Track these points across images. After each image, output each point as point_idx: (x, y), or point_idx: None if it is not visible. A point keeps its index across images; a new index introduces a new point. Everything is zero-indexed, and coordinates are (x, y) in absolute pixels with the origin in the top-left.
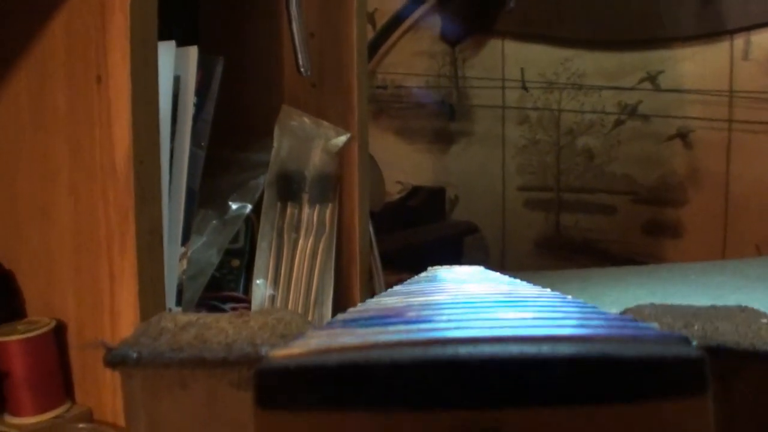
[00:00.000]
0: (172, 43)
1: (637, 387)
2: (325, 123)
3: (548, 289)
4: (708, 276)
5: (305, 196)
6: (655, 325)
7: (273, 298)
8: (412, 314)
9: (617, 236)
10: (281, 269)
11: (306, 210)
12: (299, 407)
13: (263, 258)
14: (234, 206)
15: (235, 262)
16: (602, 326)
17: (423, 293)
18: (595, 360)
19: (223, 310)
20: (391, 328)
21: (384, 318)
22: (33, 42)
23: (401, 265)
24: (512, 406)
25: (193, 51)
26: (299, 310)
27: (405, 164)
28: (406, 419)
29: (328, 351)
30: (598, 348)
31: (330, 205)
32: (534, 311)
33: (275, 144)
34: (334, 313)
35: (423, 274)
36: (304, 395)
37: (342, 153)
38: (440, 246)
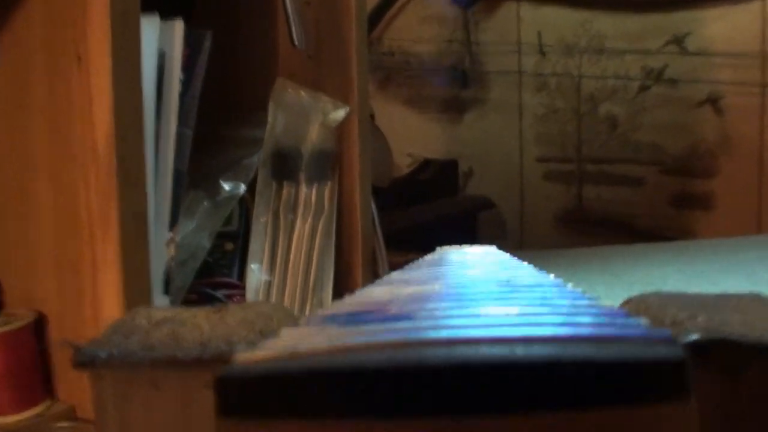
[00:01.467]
0: (156, 17)
1: (612, 392)
2: (323, 96)
3: (551, 276)
4: (741, 252)
5: (302, 175)
6: (644, 321)
7: (269, 284)
8: (393, 310)
9: (644, 210)
10: (277, 253)
11: (303, 189)
12: (261, 416)
13: (258, 241)
14: (227, 187)
15: (229, 246)
16: (586, 324)
17: (418, 282)
18: (568, 364)
19: (216, 297)
20: (365, 328)
21: (363, 314)
22: (10, 22)
23: (410, 245)
24: (483, 413)
25: (179, 25)
26: (297, 296)
27: (415, 135)
28: (373, 427)
29: (293, 356)
30: (574, 350)
31: (329, 183)
32: (522, 305)
33: (270, 119)
34: (334, 299)
35: (429, 257)
36: (266, 404)
37: (341, 128)
38: (453, 223)
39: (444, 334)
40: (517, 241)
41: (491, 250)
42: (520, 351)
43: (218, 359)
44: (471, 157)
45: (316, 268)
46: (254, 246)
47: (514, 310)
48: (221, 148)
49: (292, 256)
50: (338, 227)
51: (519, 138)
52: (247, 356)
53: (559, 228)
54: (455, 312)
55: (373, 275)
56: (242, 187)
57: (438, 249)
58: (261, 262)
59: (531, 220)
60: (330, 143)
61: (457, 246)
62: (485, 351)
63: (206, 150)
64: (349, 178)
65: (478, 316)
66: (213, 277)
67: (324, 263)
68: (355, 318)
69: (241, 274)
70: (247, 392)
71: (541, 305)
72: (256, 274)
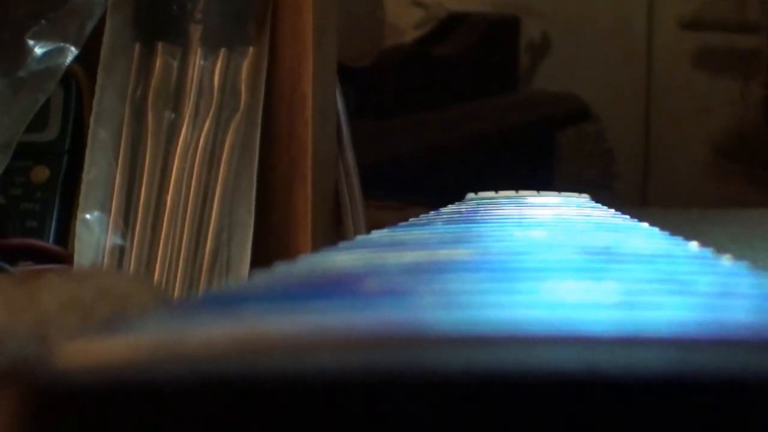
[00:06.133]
0: None
1: None
2: None
3: (692, 245)
4: None
5: (195, 31)
6: None
7: (121, 251)
8: (374, 285)
9: None
10: (140, 189)
11: (197, 60)
12: None
13: (102, 165)
14: (38, 51)
15: (41, 174)
16: (746, 313)
17: (425, 245)
18: (711, 383)
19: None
20: (316, 308)
21: (312, 291)
22: None
23: (415, 188)
24: None
25: None
26: (179, 272)
27: None
28: None
29: (173, 352)
30: (721, 358)
31: (250, 50)
32: (628, 281)
33: None
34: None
35: (451, 208)
36: None
37: None
38: (503, 148)
39: (467, 321)
40: (637, 189)
41: (580, 200)
42: (618, 358)
43: (21, 369)
44: (547, 12)
45: (216, 222)
46: (93, 175)
47: (612, 287)
48: None
49: (169, 198)
50: (266, 142)
51: None
52: (81, 351)
53: (720, 167)
54: (494, 289)
55: (336, 236)
56: (71, 54)
57: (470, 196)
58: (107, 210)
59: (666, 149)
60: None
61: (510, 192)
62: (550, 355)
63: None
64: (291, 43)
65: (538, 294)
66: (8, 236)
67: (236, 212)
68: (297, 295)
69: (65, 232)
70: (81, 417)
71: (664, 282)
72: (95, 231)
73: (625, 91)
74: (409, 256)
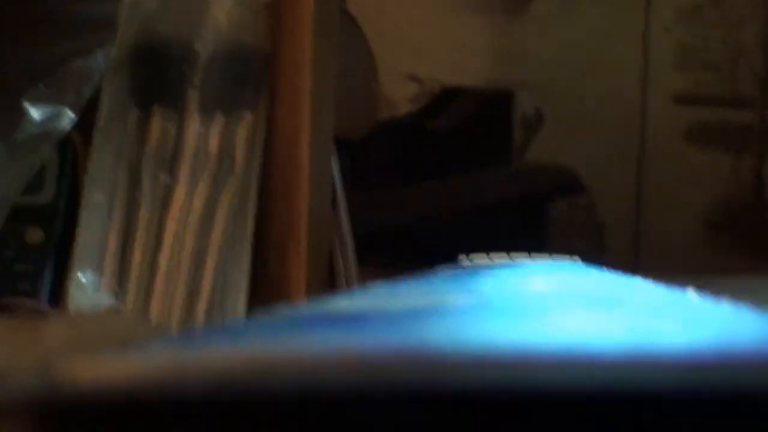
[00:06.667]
0: None
1: None
2: None
3: (690, 293)
4: None
5: (193, 97)
6: None
7: (116, 313)
8: (373, 321)
9: None
10: (133, 252)
11: (195, 126)
12: None
13: (97, 227)
14: (36, 115)
15: (35, 235)
16: (752, 340)
17: (421, 293)
18: (725, 402)
19: None
20: (317, 333)
21: (310, 320)
22: None
23: (407, 256)
24: None
25: None
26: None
27: (430, 42)
28: None
29: (181, 371)
30: (733, 377)
31: (247, 116)
32: (629, 314)
33: None
34: None
35: (445, 268)
36: None
37: (278, 10)
38: (496, 218)
39: (469, 345)
40: (628, 260)
41: (571, 263)
42: (629, 377)
43: (27, 401)
44: (541, 87)
45: (212, 283)
46: (86, 237)
47: (615, 318)
48: (30, 33)
49: (163, 259)
50: (261, 204)
51: (642, 53)
52: (91, 369)
53: (712, 240)
54: (491, 323)
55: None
56: (68, 118)
57: (462, 258)
58: (100, 269)
59: (656, 221)
60: (251, 37)
61: (503, 255)
62: (554, 375)
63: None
64: (289, 110)
65: (540, 325)
66: (1, 294)
67: (229, 275)
68: (301, 325)
69: (58, 292)
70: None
71: (666, 317)
72: (87, 290)
73: (617, 164)
74: (408, 301)
